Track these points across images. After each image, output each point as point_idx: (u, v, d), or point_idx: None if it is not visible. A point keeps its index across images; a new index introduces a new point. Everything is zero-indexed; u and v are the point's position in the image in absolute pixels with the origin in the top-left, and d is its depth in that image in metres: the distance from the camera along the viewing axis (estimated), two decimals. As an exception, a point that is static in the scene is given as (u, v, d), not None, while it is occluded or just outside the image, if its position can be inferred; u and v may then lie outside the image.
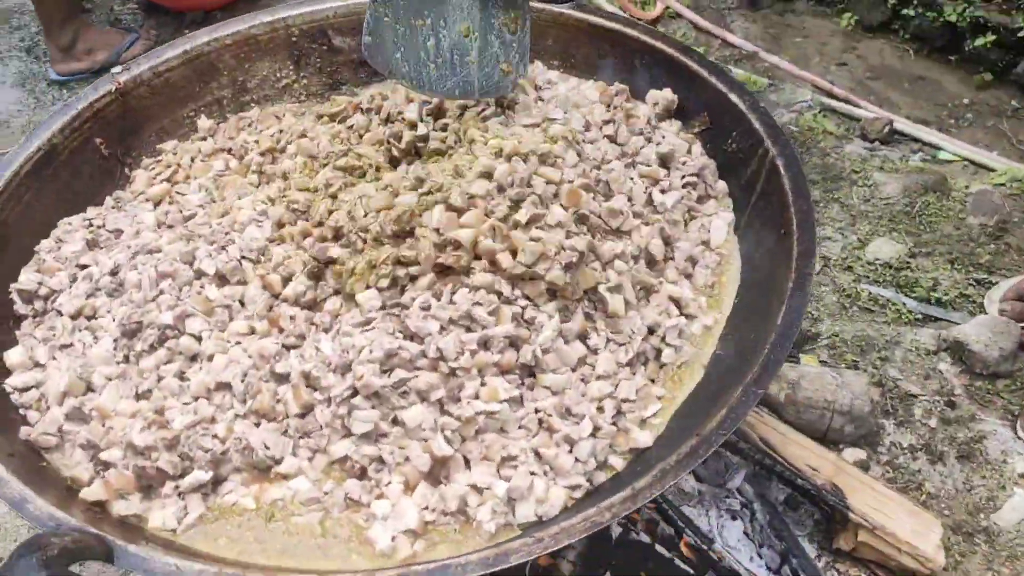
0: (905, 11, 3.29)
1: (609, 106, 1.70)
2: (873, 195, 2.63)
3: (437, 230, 1.34)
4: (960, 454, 1.96)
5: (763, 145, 1.50)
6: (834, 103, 3.08)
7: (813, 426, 1.96)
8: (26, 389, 1.38)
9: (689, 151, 1.67)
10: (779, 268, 1.35)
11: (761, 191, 1.50)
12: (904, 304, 2.31)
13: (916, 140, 2.92)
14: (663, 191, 1.58)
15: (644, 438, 1.26)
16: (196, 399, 1.34)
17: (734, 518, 1.79)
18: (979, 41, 3.05)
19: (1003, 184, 2.64)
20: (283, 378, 1.33)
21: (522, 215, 1.35)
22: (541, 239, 1.32)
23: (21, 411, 1.37)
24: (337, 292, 1.41)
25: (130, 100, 1.72)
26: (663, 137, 1.66)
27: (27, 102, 3.40)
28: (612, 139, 1.63)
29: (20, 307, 1.48)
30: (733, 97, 1.59)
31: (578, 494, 1.21)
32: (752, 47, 3.40)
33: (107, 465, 1.27)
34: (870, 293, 2.35)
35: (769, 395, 1.97)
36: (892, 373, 2.15)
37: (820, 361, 2.18)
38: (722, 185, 1.63)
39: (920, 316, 2.29)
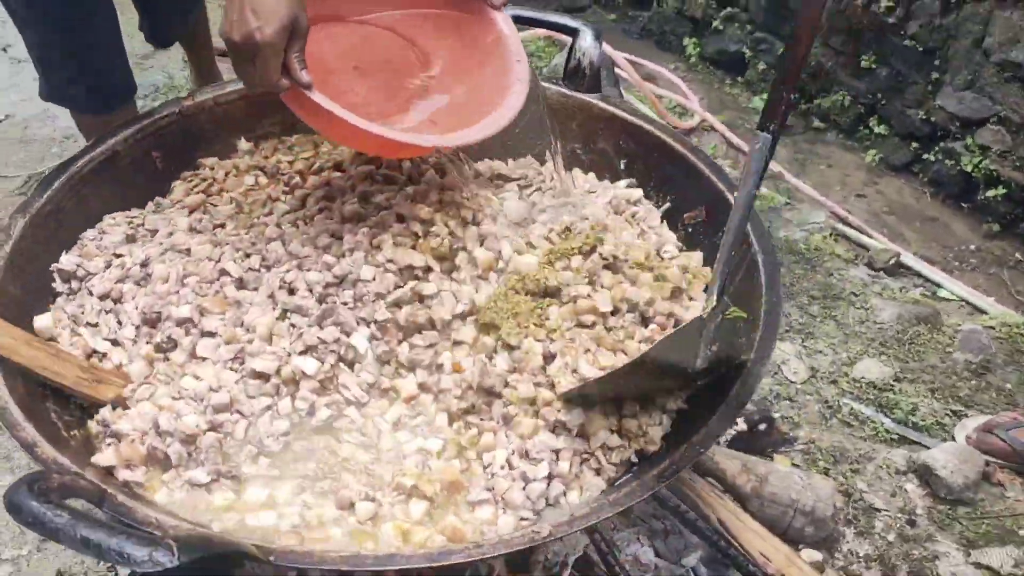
0: (926, 156, 3.46)
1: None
2: (868, 318, 2.75)
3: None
4: (912, 570, 2.01)
5: (748, 239, 1.63)
6: (847, 230, 3.23)
7: (775, 522, 2.03)
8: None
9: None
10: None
11: (740, 281, 1.62)
12: (882, 423, 2.39)
13: (919, 275, 3.04)
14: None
15: (597, 483, 1.36)
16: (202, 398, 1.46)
17: (686, 598, 1.86)
18: (991, 192, 3.19)
19: (993, 327, 2.74)
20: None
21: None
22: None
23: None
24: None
25: (190, 123, 1.91)
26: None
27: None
28: None
29: (58, 285, 1.63)
30: (730, 197, 1.73)
31: (525, 524, 1.31)
32: (778, 168, 3.58)
33: (118, 437, 1.38)
34: (852, 408, 2.44)
35: (736, 486, 2.05)
36: (860, 485, 2.22)
37: (793, 464, 2.26)
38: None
39: (896, 436, 2.37)
